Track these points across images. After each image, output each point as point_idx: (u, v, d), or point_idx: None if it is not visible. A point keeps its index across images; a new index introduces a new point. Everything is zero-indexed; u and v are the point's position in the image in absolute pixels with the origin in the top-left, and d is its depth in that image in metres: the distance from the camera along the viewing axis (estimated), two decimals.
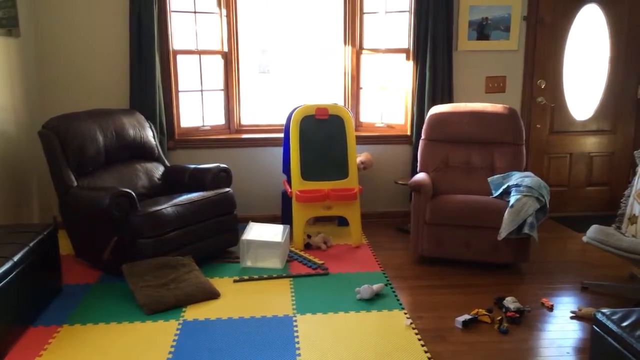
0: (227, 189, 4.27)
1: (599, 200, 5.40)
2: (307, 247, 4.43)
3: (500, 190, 4.09)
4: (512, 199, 3.86)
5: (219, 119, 5.22)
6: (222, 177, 4.35)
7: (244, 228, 4.27)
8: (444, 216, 4.01)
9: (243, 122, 5.31)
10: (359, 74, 5.23)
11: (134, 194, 3.70)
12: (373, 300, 3.52)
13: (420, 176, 4.25)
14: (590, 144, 5.31)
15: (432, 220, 4.03)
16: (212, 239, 4.10)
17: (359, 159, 4.76)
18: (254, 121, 5.37)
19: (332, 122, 4.52)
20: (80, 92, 4.78)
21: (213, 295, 3.55)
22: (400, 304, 3.48)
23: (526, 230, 3.78)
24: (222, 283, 3.78)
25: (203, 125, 5.15)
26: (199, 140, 5.05)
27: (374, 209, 5.27)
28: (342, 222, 4.75)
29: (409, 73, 5.05)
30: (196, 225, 3.96)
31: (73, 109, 4.44)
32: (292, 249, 4.40)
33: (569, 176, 5.35)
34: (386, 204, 5.28)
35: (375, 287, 3.56)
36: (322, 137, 4.51)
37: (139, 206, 3.72)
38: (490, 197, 4.13)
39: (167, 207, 3.79)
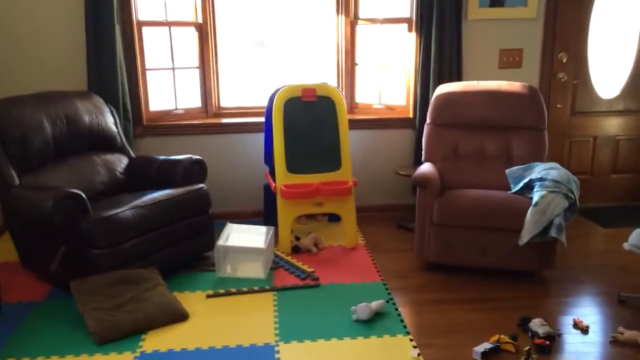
0: (201, 185, 3.65)
1: (625, 189, 4.79)
2: (295, 250, 3.83)
3: (521, 184, 3.47)
4: (536, 196, 3.26)
5: (195, 101, 4.57)
6: (195, 170, 3.73)
7: (222, 227, 3.66)
8: (454, 216, 3.40)
9: (223, 104, 4.66)
10: (354, 48, 4.57)
11: (83, 195, 3.07)
12: (372, 322, 2.93)
13: (426, 168, 3.63)
14: (617, 125, 4.68)
15: (440, 221, 3.43)
16: (182, 244, 3.49)
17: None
18: (238, 103, 4.72)
19: (320, 104, 3.88)
20: (29, 75, 4.11)
21: (180, 317, 2.96)
22: (405, 327, 2.89)
23: (553, 233, 3.19)
24: (192, 299, 3.19)
25: (175, 109, 4.50)
26: (171, 126, 4.41)
27: (372, 202, 4.66)
28: (334, 217, 4.14)
29: (412, 46, 4.39)
30: (162, 230, 3.35)
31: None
32: (278, 252, 3.80)
33: (592, 162, 4.74)
34: (385, 196, 4.67)
35: (375, 304, 2.97)
36: (309, 122, 3.87)
37: (90, 210, 3.09)
38: (509, 192, 3.51)
39: (125, 209, 3.17)
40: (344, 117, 3.90)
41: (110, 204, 3.25)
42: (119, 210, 3.14)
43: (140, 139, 4.35)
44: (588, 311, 3.07)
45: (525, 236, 3.23)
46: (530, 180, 3.42)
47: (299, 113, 3.86)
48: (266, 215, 4.26)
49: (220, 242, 3.43)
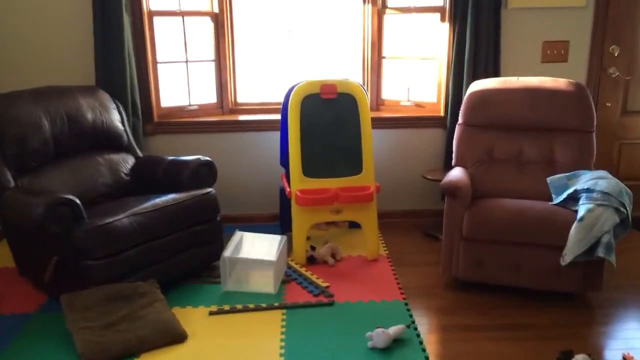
0: (209, 190, 3.37)
1: None
2: (311, 261, 3.52)
3: (564, 195, 3.07)
4: (582, 210, 2.86)
5: (210, 97, 4.29)
6: (203, 173, 3.45)
7: (232, 231, 3.39)
8: (487, 229, 3.03)
9: (240, 99, 4.37)
10: (381, 40, 4.21)
11: (77, 201, 2.82)
12: (390, 350, 2.60)
13: (456, 174, 3.26)
14: None
15: (471, 235, 3.06)
16: (187, 254, 3.23)
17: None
18: (256, 99, 4.42)
19: (341, 102, 3.54)
20: (33, 69, 3.90)
21: (177, 337, 2.69)
22: (427, 358, 2.54)
23: (600, 253, 2.79)
24: (194, 316, 2.92)
25: (189, 105, 4.24)
26: (183, 124, 4.14)
27: (396, 207, 4.32)
28: (356, 223, 3.80)
29: (444, 38, 4.00)
30: (165, 239, 3.09)
31: None
32: (292, 263, 3.50)
33: None
34: (412, 201, 4.31)
35: (393, 330, 2.64)
36: (328, 122, 3.54)
37: (85, 217, 2.85)
38: (550, 203, 3.12)
39: (122, 217, 2.91)
40: (366, 116, 3.55)
41: (108, 210, 3.00)
42: (116, 218, 2.88)
43: (151, 136, 4.10)
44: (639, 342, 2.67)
45: (568, 255, 2.84)
46: (576, 190, 3.01)
47: (318, 111, 3.53)
48: (282, 221, 3.97)
49: (227, 252, 3.14)
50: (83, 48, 3.86)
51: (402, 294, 3.13)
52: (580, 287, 2.97)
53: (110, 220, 2.85)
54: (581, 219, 2.83)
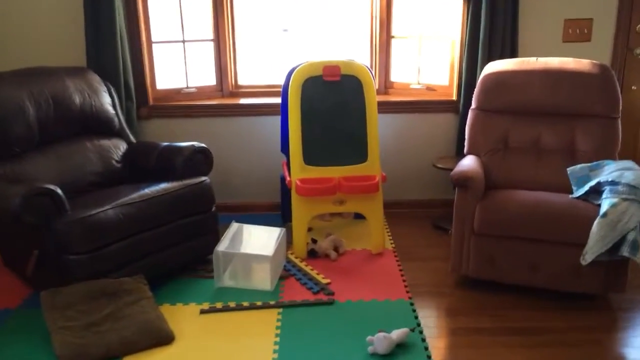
0: (203, 178, 3.17)
1: None
2: (312, 254, 3.32)
3: (586, 188, 2.82)
4: (606, 204, 2.61)
5: (209, 79, 4.06)
6: (198, 160, 3.24)
7: (230, 221, 3.19)
8: (500, 224, 2.80)
9: (241, 81, 4.14)
10: (390, 18, 3.94)
11: (59, 191, 2.63)
12: (392, 357, 2.39)
13: (468, 164, 3.02)
14: None
15: (482, 229, 2.83)
16: (179, 247, 3.04)
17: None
18: (258, 81, 4.18)
19: (345, 85, 3.30)
20: (21, 52, 3.68)
21: (163, 339, 2.50)
22: None
23: (625, 252, 2.55)
24: (184, 314, 2.73)
25: (187, 87, 4.02)
26: (181, 107, 3.93)
27: (404, 196, 4.08)
28: (361, 214, 3.58)
29: (458, 16, 3.73)
30: (154, 231, 2.90)
31: None
32: (291, 257, 3.29)
33: None
34: (421, 190, 4.08)
35: (396, 335, 2.43)
36: (331, 106, 3.31)
37: (68, 209, 2.66)
38: (570, 196, 2.87)
39: (107, 208, 2.72)
40: (372, 100, 3.31)
41: (93, 200, 2.81)
42: (100, 209, 2.69)
43: (145, 121, 3.89)
44: None
45: (589, 254, 2.60)
46: (599, 183, 2.76)
47: (320, 95, 3.30)
48: (284, 210, 3.76)
49: (221, 246, 2.94)
50: (73, 28, 3.64)
51: (407, 292, 2.92)
52: (601, 288, 2.73)
53: (94, 212, 2.66)
54: (604, 214, 2.58)
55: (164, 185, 2.99)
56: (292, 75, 3.29)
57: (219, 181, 3.99)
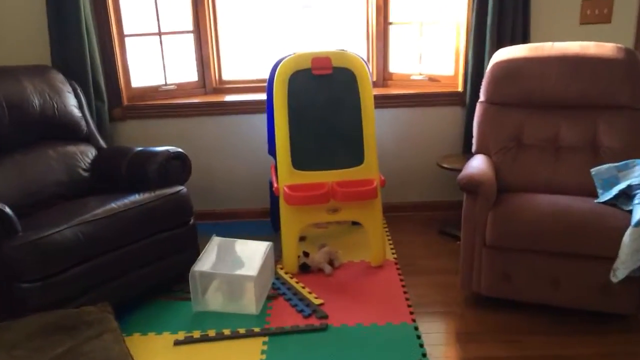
0: (179, 188, 2.82)
1: None
2: (304, 269, 2.97)
3: (614, 191, 2.46)
4: (639, 211, 2.24)
5: (190, 75, 3.70)
6: (173, 167, 2.89)
7: (219, 232, 2.86)
8: (515, 235, 2.44)
9: (225, 76, 3.78)
10: (388, 2, 3.56)
11: (7, 210, 2.29)
12: None
13: (477, 165, 2.66)
14: None
15: (495, 241, 2.47)
16: (152, 266, 2.69)
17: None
18: (244, 75, 3.81)
19: (337, 78, 2.94)
20: None
21: None
22: None
23: None
24: (156, 346, 2.39)
25: (165, 84, 3.66)
26: (159, 106, 3.58)
27: (407, 198, 3.73)
28: None
29: None
30: (122, 251, 2.55)
31: None
32: (281, 272, 2.95)
33: None
34: (425, 191, 3.72)
35: None
36: (322, 103, 2.95)
37: (19, 229, 2.32)
38: (596, 201, 2.50)
39: (63, 228, 2.37)
40: (368, 95, 2.94)
41: (50, 218, 2.46)
42: (55, 229, 2.34)
43: (121, 122, 3.55)
44: None
45: (621, 270, 2.24)
46: (630, 186, 2.40)
47: (309, 90, 2.94)
48: (273, 217, 3.41)
49: (198, 265, 2.60)
50: (37, 23, 3.28)
51: (411, 313, 2.57)
52: (633, 307, 2.37)
53: (48, 232, 2.32)
54: (638, 223, 2.21)
55: (132, 198, 2.64)
56: (278, 69, 2.92)
57: (203, 187, 3.66)
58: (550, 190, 2.68)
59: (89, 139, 3.12)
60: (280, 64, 2.93)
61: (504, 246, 2.47)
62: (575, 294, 2.42)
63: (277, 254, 3.05)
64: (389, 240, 3.33)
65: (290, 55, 2.96)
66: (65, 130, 3.01)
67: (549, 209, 2.45)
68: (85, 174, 2.99)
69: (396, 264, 3.04)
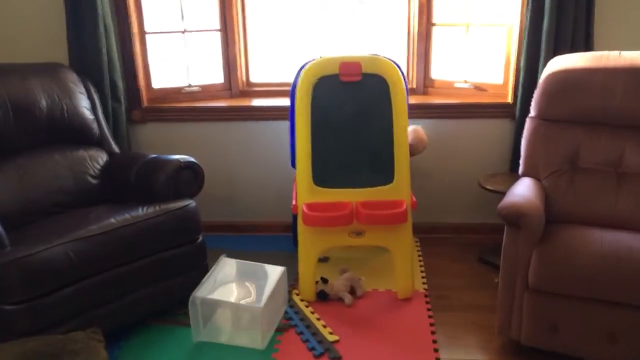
0: (187, 202, 2.58)
1: None
2: (321, 297, 2.67)
3: None
4: None
5: (215, 76, 3.47)
6: (184, 179, 2.66)
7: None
8: (565, 278, 2.07)
9: (253, 79, 3.53)
10: (431, 1, 3.21)
11: None
12: None
13: (522, 193, 2.29)
14: None
15: (541, 285, 2.11)
16: (153, 288, 2.47)
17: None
18: (274, 78, 3.55)
19: (368, 86, 2.62)
20: None
21: None
22: None
23: None
24: None
25: (189, 86, 3.44)
26: (181, 110, 3.36)
27: (444, 219, 3.37)
28: None
29: None
30: (119, 270, 2.33)
31: None
32: (296, 299, 2.66)
33: None
34: (466, 212, 3.35)
35: None
36: (349, 113, 2.64)
37: (7, 244, 2.13)
38: None
39: (54, 245, 2.16)
40: (401, 105, 2.62)
41: (43, 232, 2.27)
42: (45, 246, 2.14)
43: (140, 125, 3.35)
44: None
45: None
46: None
47: (335, 98, 2.63)
48: (295, 232, 3.12)
49: (201, 290, 2.34)
50: (55, 21, 3.11)
51: None
52: None
53: (35, 250, 2.11)
54: None
55: (134, 212, 2.42)
56: (301, 73, 2.64)
57: (224, 196, 3.44)
58: (609, 225, 2.29)
59: (100, 144, 2.92)
60: (304, 70, 2.64)
61: (551, 291, 2.10)
62: (634, 352, 2.02)
63: (293, 277, 2.77)
64: (420, 266, 2.99)
65: (316, 58, 2.66)
66: (75, 134, 2.82)
67: (609, 248, 2.07)
68: (94, 181, 2.80)
69: (426, 296, 2.70)
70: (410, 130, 2.95)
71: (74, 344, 2.09)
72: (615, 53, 2.46)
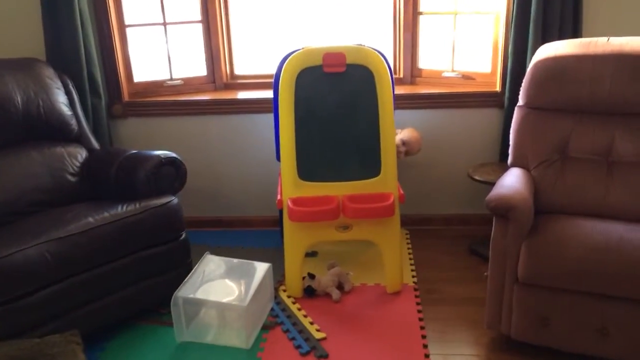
0: (169, 199, 2.51)
1: None
2: (308, 293, 2.62)
3: None
4: None
5: (198, 69, 3.39)
6: (165, 175, 2.59)
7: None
8: (555, 271, 2.02)
9: (238, 71, 3.45)
10: None
11: None
12: None
13: (511, 184, 2.24)
14: None
15: (530, 278, 2.06)
16: (133, 288, 2.40)
17: (398, 137, 2.83)
18: (258, 70, 3.47)
19: (352, 77, 2.55)
20: None
21: None
22: None
23: None
24: None
25: (171, 79, 3.36)
26: (164, 104, 3.28)
27: (434, 210, 3.32)
28: None
29: None
30: (97, 271, 2.26)
31: None
32: (283, 295, 2.61)
33: None
34: (454, 203, 3.31)
35: None
36: (334, 104, 2.57)
37: None
38: None
39: (28, 247, 2.09)
40: (387, 96, 2.55)
41: (17, 233, 2.19)
42: (18, 248, 2.07)
43: (121, 120, 3.27)
44: None
45: None
46: None
47: (319, 90, 2.56)
48: (282, 227, 3.06)
49: (183, 289, 2.28)
50: (32, 15, 3.02)
51: (426, 356, 2.18)
52: None
53: (8, 252, 2.04)
54: None
55: (113, 210, 2.35)
56: (284, 65, 2.56)
57: (210, 191, 3.37)
58: (600, 215, 2.24)
59: (79, 140, 2.85)
60: (287, 60, 2.56)
61: (541, 284, 2.05)
62: (626, 346, 1.98)
63: (281, 273, 2.71)
64: (410, 258, 2.94)
65: (298, 49, 2.59)
66: (52, 130, 2.74)
67: (599, 239, 2.02)
68: (73, 179, 2.72)
69: (416, 289, 2.65)
70: (405, 130, 2.93)
71: (51, 348, 2.03)
72: (603, 39, 2.40)
